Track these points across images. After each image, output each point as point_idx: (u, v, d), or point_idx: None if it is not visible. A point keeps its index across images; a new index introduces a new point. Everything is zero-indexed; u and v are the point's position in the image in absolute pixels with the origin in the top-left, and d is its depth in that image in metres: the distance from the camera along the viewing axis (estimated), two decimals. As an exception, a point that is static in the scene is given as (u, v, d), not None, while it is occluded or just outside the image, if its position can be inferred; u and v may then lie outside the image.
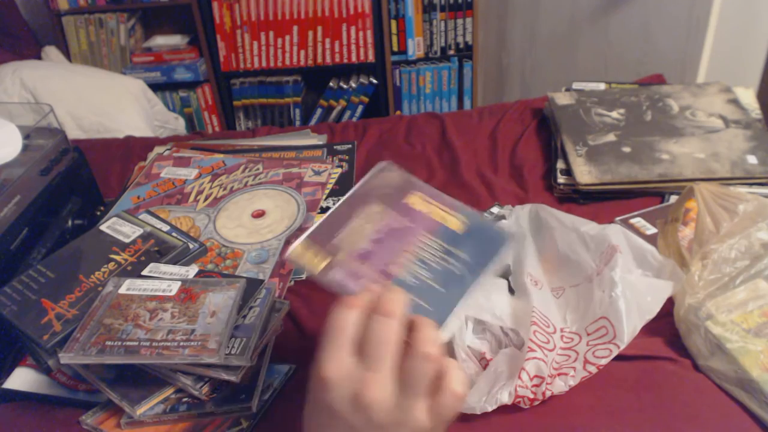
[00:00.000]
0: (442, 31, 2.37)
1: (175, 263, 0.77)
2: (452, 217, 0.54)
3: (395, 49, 2.38)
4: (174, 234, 0.82)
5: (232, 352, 0.59)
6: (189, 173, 1.01)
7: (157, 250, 0.78)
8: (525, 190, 0.97)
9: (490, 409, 0.56)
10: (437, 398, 0.39)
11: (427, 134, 1.17)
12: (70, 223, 0.86)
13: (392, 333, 0.40)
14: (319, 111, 2.49)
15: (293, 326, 0.73)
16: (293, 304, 0.74)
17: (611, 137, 1.00)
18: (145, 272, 0.72)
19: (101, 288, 0.67)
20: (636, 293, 0.61)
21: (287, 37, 2.34)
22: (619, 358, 0.59)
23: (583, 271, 0.67)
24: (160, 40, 2.39)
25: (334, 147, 1.10)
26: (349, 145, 1.10)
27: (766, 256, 0.65)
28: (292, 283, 0.80)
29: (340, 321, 0.41)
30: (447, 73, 2.43)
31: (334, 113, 2.48)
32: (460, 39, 2.39)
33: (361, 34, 2.32)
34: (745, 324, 0.61)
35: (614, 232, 0.68)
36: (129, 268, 0.74)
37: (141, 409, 0.58)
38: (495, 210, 0.85)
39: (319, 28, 2.32)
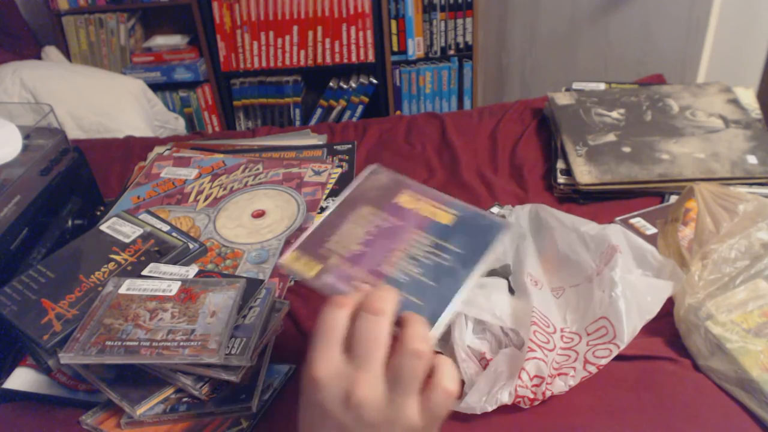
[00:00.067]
0: (442, 31, 2.37)
1: (175, 263, 0.77)
2: (442, 211, 0.54)
3: (395, 49, 2.38)
4: (174, 234, 0.82)
5: (232, 352, 0.59)
6: (189, 173, 1.01)
7: (157, 250, 0.78)
8: (525, 190, 0.97)
9: (490, 409, 0.56)
10: (428, 396, 0.39)
11: (427, 134, 1.17)
12: (70, 223, 0.86)
13: (381, 331, 0.40)
14: (319, 111, 2.49)
15: (293, 326, 0.73)
16: (293, 304, 0.74)
17: (611, 137, 1.00)
18: (145, 272, 0.72)
19: (101, 288, 0.67)
20: (636, 293, 0.61)
21: (287, 37, 2.34)
22: (619, 358, 0.59)
23: (583, 271, 0.67)
24: (160, 40, 2.39)
25: (334, 147, 1.10)
26: (349, 145, 1.10)
27: (766, 256, 0.65)
28: (292, 283, 0.80)
29: (330, 320, 0.41)
30: (447, 73, 2.43)
31: (334, 113, 2.48)
32: (460, 39, 2.39)
33: (361, 34, 2.32)
34: (745, 324, 0.61)
35: (614, 232, 0.68)
36: (129, 268, 0.74)
37: (141, 409, 0.58)
38: (495, 210, 0.85)
39: (319, 28, 2.32)
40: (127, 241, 0.79)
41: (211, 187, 0.97)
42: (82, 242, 0.78)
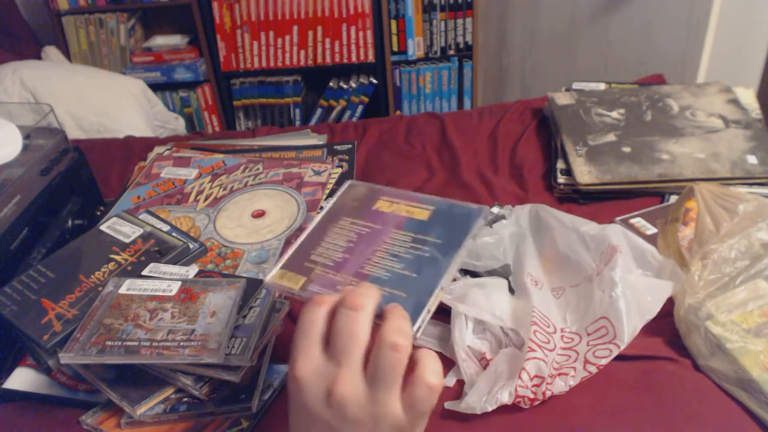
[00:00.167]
0: (442, 31, 2.37)
1: (175, 263, 0.77)
2: (417, 208, 0.57)
3: (395, 49, 2.38)
4: (174, 234, 0.82)
5: (232, 352, 0.59)
6: (189, 173, 1.01)
7: (157, 250, 0.78)
8: (525, 190, 0.97)
9: (490, 409, 0.56)
10: (411, 390, 0.38)
11: (427, 134, 1.17)
12: (70, 223, 0.86)
13: (359, 325, 0.39)
14: (319, 111, 2.50)
15: (293, 326, 0.73)
16: (293, 304, 0.74)
17: (611, 137, 1.00)
18: (145, 272, 0.72)
19: (101, 288, 0.67)
20: (636, 293, 0.61)
21: (287, 37, 2.34)
22: (620, 358, 0.59)
23: (583, 271, 0.67)
24: (160, 40, 2.39)
25: (334, 147, 1.10)
26: (349, 145, 1.10)
27: (766, 256, 0.65)
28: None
29: (309, 319, 0.40)
30: (447, 73, 2.43)
31: (334, 113, 2.48)
32: (460, 39, 2.39)
33: (361, 34, 2.32)
34: (745, 324, 0.61)
35: (614, 232, 0.68)
36: (129, 268, 0.74)
37: (141, 409, 0.58)
38: (495, 210, 0.85)
39: (319, 28, 2.32)
40: (127, 241, 0.79)
41: (211, 187, 0.97)
42: (82, 242, 0.78)
